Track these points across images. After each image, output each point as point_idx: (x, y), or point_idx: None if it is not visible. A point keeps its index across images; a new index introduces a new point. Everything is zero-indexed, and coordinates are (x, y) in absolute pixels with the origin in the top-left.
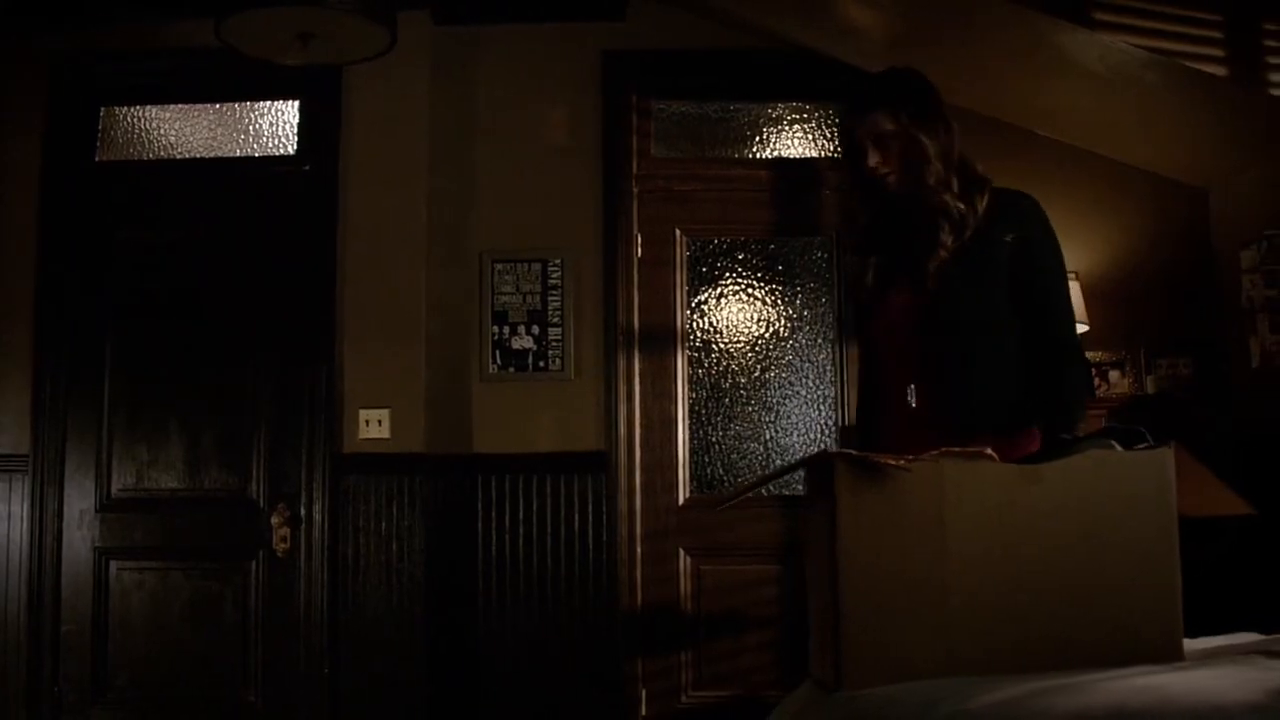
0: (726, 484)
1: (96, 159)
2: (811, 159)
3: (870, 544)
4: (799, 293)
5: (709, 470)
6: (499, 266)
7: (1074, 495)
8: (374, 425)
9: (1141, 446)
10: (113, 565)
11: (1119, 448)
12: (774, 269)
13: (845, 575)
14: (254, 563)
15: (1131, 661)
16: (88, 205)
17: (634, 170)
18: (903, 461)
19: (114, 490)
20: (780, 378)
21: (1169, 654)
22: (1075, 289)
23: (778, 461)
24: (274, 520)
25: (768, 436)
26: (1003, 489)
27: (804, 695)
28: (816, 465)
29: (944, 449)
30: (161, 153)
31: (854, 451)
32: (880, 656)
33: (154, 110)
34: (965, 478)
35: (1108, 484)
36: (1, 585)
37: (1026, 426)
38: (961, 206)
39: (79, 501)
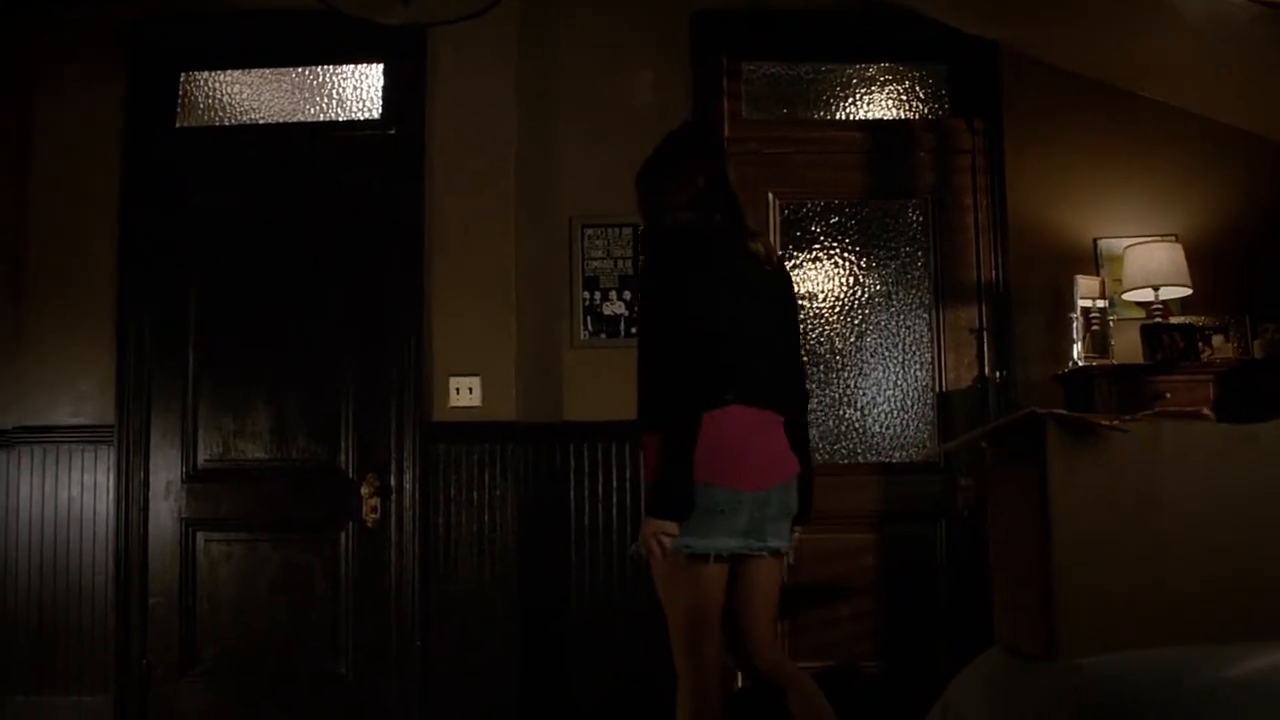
0: (822, 451)
1: (177, 125)
2: (905, 120)
3: (1085, 507)
4: (894, 256)
5: None
6: (589, 231)
7: None
8: (464, 393)
9: None
10: (200, 537)
11: None
12: (868, 232)
13: (1059, 540)
14: (343, 534)
15: None
16: (169, 172)
17: (725, 133)
18: (1117, 422)
19: (200, 461)
20: (876, 342)
21: None
22: (1177, 252)
23: (875, 427)
24: (363, 490)
25: (863, 402)
26: (1219, 449)
27: (997, 666)
28: (1014, 427)
29: (1159, 409)
30: (243, 118)
31: (1064, 411)
32: (1098, 624)
33: (235, 75)
34: (1182, 438)
35: None
36: (88, 557)
37: None
38: None
39: (165, 472)
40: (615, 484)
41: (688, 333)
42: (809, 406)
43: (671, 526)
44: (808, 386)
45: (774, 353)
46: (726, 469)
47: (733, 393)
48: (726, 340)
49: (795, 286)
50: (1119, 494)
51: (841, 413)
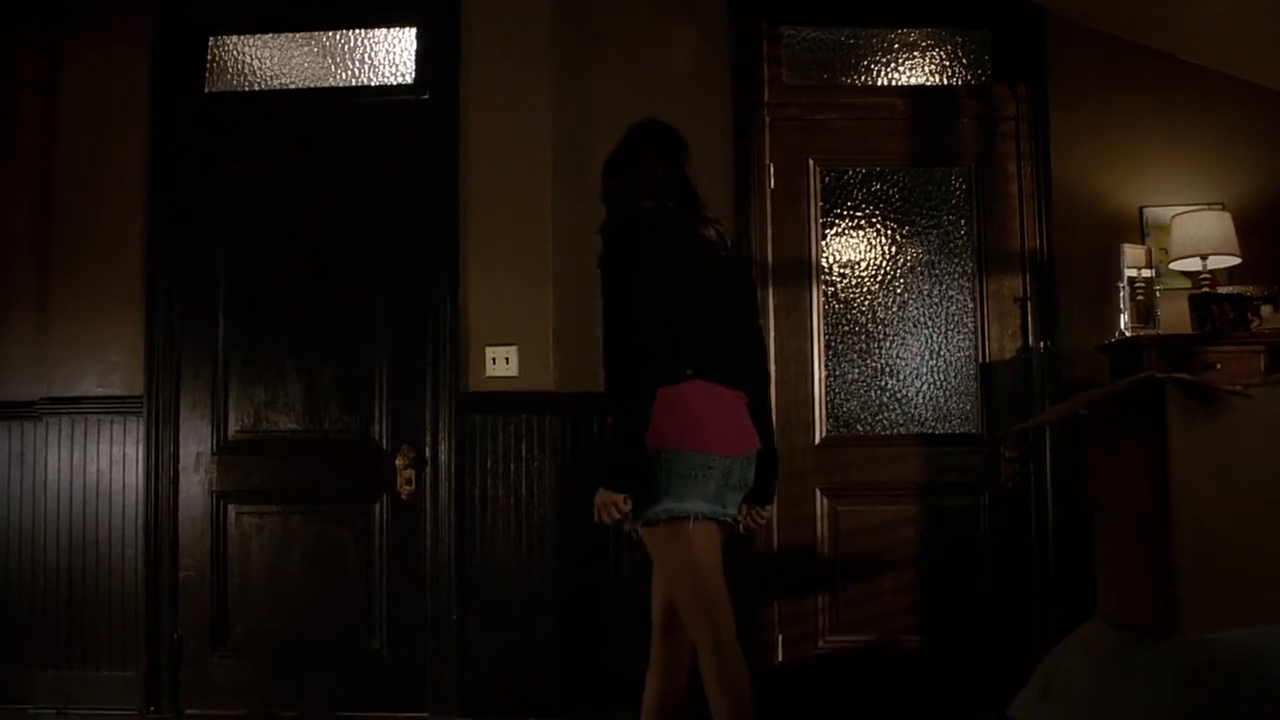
0: (864, 422)
1: (206, 90)
2: (949, 87)
3: (1207, 476)
4: (936, 224)
5: (845, 408)
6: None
7: None
8: (500, 363)
9: None
10: (230, 509)
11: None
12: (910, 200)
13: (1182, 511)
14: (378, 506)
15: None
16: (198, 138)
17: (765, 98)
18: (1239, 386)
19: (231, 432)
20: (918, 312)
21: None
22: (1225, 220)
23: (917, 398)
24: (398, 462)
25: (905, 373)
26: None
27: (1108, 640)
28: (1123, 394)
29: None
30: (273, 83)
31: (1186, 376)
32: (1221, 598)
33: (264, 39)
34: None
35: None
36: (118, 530)
37: None
38: None
39: (195, 444)
40: None
41: (643, 313)
42: (768, 388)
43: (619, 498)
44: (768, 368)
45: (732, 333)
46: (698, 434)
47: (692, 368)
48: (683, 320)
49: (752, 268)
50: (1242, 462)
51: (883, 383)
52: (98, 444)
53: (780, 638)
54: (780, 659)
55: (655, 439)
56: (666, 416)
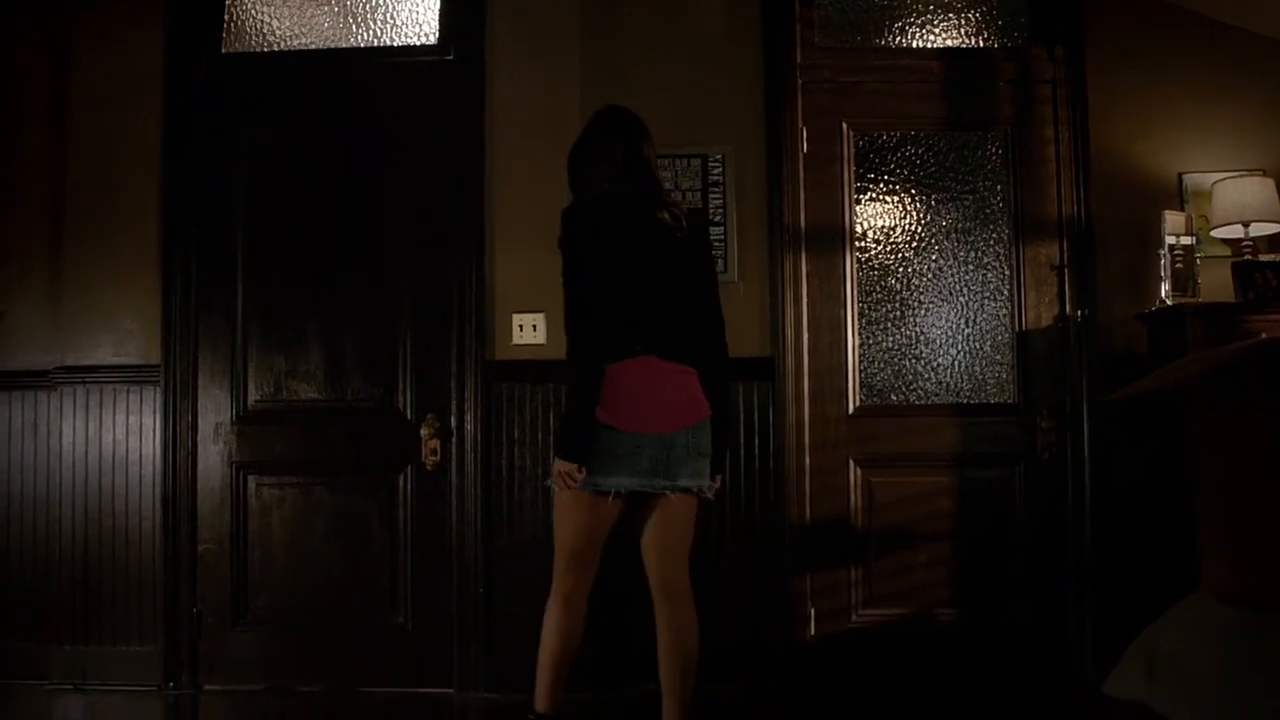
0: (898, 392)
1: (223, 51)
2: (984, 49)
3: None
4: (971, 190)
5: (879, 377)
6: (657, 161)
7: None
8: (528, 330)
9: None
10: (251, 480)
11: None
12: (945, 165)
13: None
14: (402, 477)
15: None
16: (215, 99)
17: (797, 60)
18: None
19: (250, 401)
20: (952, 280)
21: None
22: (1268, 186)
23: (952, 367)
24: (423, 432)
25: (940, 341)
26: None
27: (1220, 617)
28: (1239, 359)
29: None
30: (293, 43)
31: None
32: None
33: None
34: None
35: None
36: (135, 502)
37: None
38: None
39: (214, 414)
40: None
41: (583, 294)
42: (724, 364)
43: (572, 467)
44: (724, 341)
45: (683, 311)
46: (626, 415)
47: (640, 345)
48: (632, 299)
49: (709, 242)
50: None
51: (917, 352)
52: (114, 414)
53: (813, 611)
54: (813, 633)
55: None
56: (604, 394)
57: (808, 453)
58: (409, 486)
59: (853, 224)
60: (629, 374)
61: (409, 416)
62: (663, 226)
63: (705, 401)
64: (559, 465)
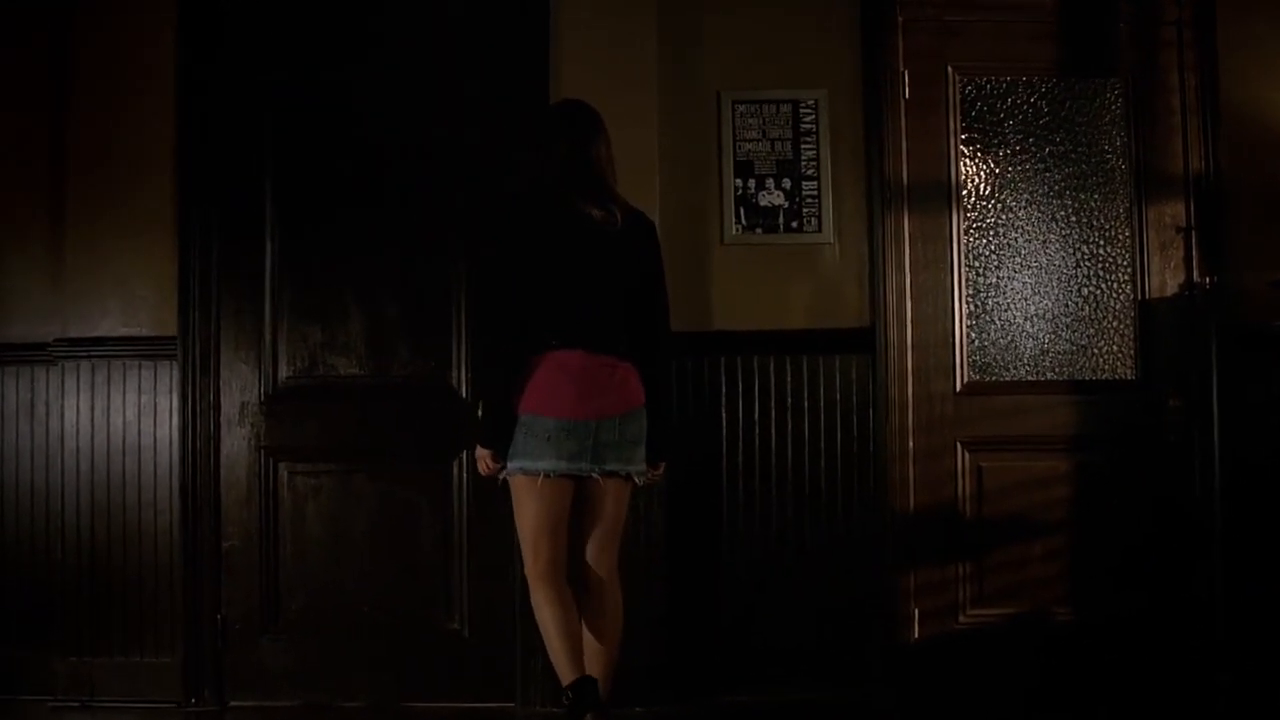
0: (1008, 367)
1: None
2: None
3: None
4: (1088, 142)
5: (989, 351)
6: (741, 108)
7: None
8: None
9: None
10: (282, 468)
11: None
12: (1058, 115)
13: None
14: (456, 464)
15: None
16: (237, 37)
17: None
18: None
19: (281, 378)
20: (1068, 241)
21: None
22: None
23: (1065, 340)
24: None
25: (1052, 311)
26: None
27: None
28: None
29: None
30: None
31: None
32: None
33: None
34: None
35: None
36: (149, 493)
37: None
38: None
39: (239, 392)
40: (774, 403)
41: (516, 285)
42: (663, 355)
43: (486, 453)
44: (666, 332)
45: (614, 305)
46: (551, 401)
47: (558, 339)
48: (557, 292)
49: (653, 240)
50: None
51: (1029, 323)
52: (123, 392)
53: (916, 611)
54: (917, 635)
55: (518, 404)
56: (525, 383)
57: (910, 435)
58: (465, 475)
59: (959, 180)
60: (554, 363)
61: (464, 394)
62: (592, 221)
63: (638, 391)
64: (477, 451)
